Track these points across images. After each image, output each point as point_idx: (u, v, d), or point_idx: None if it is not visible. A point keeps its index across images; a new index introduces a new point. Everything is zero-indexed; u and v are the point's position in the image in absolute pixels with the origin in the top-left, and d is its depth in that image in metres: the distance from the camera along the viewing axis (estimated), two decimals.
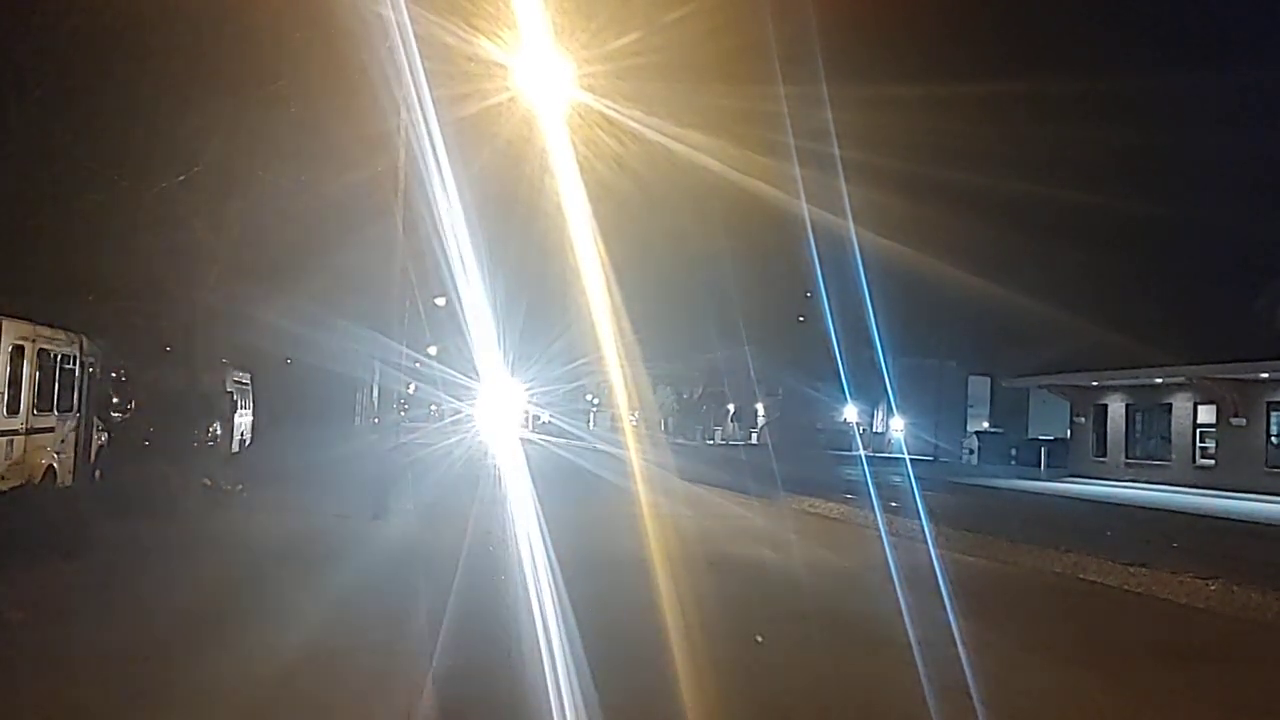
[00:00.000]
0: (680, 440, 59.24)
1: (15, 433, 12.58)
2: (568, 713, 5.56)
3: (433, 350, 37.46)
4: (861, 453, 42.76)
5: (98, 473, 15.36)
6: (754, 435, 64.68)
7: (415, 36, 11.90)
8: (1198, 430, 32.59)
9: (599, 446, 38.31)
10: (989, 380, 55.69)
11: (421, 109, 12.77)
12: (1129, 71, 39.62)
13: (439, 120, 12.94)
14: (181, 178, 13.14)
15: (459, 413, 47.91)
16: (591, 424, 60.17)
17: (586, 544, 11.53)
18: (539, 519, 11.68)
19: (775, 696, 6.21)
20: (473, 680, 6.18)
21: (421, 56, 12.01)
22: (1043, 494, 28.54)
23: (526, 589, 8.46)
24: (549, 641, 6.71)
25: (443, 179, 13.74)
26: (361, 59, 12.85)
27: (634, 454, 30.46)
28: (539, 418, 60.47)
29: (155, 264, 14.89)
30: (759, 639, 6.27)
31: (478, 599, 8.26)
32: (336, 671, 6.32)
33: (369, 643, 7.01)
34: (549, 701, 5.68)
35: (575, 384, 51.53)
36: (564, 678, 6.03)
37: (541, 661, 6.36)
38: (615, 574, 9.82)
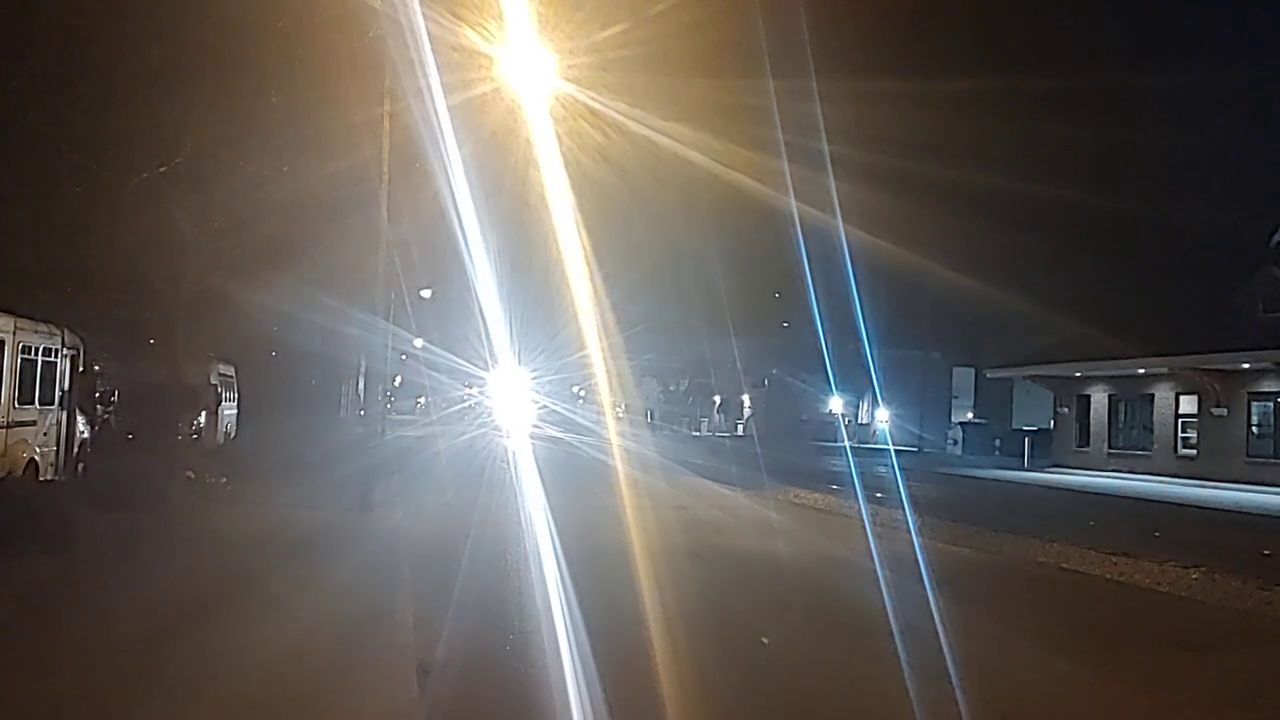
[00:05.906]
0: (667, 431, 59.31)
1: None
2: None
3: (419, 342, 37.39)
4: (846, 444, 42.88)
5: (80, 466, 15.25)
6: (739, 426, 64.84)
7: (401, 25, 11.82)
8: (1179, 420, 32.84)
9: (585, 438, 38.31)
10: (973, 371, 55.94)
11: (427, 93, 12.63)
12: (1111, 70, 39.96)
13: (430, 108, 12.84)
14: (163, 168, 13.01)
15: (450, 405, 47.78)
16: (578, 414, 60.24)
17: (587, 534, 11.50)
18: (549, 522, 11.54)
19: (761, 685, 6.24)
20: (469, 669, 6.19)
21: (409, 46, 11.92)
22: (1026, 484, 28.71)
23: (531, 576, 8.51)
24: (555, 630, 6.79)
25: (447, 161, 13.66)
26: (348, 47, 12.75)
27: (626, 442, 30.48)
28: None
29: (137, 255, 14.78)
30: (764, 640, 6.41)
31: (468, 601, 8.26)
32: (315, 666, 6.31)
33: (348, 637, 7.00)
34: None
35: (562, 376, 51.53)
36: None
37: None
38: (608, 564, 9.84)
